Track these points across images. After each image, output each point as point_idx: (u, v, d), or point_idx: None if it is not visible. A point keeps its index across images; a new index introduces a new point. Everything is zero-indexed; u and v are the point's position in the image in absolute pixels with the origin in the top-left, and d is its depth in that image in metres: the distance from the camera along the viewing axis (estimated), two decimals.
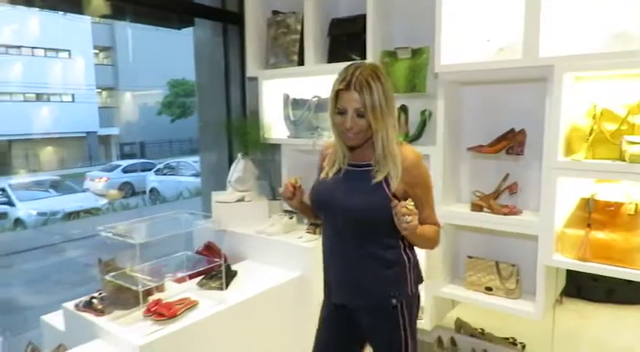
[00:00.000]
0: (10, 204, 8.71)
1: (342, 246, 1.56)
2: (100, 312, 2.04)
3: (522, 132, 2.19)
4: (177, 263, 2.32)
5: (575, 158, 1.94)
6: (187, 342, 1.95)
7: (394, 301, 1.52)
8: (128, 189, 12.55)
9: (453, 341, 2.56)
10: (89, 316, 2.04)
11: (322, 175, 1.62)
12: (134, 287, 1.90)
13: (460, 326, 2.70)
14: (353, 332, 1.66)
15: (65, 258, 6.23)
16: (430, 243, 1.58)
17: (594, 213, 1.99)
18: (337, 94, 1.42)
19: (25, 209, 8.59)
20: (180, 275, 2.27)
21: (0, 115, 16.25)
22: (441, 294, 2.41)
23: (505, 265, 2.30)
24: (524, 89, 2.23)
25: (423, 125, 2.46)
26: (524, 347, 2.56)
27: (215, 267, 2.33)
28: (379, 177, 1.46)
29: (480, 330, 2.67)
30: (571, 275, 2.55)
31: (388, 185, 1.47)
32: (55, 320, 2.29)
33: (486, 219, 2.22)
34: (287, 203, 1.69)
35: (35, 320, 2.51)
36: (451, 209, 2.35)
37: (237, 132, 3.08)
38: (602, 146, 1.90)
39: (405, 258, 1.57)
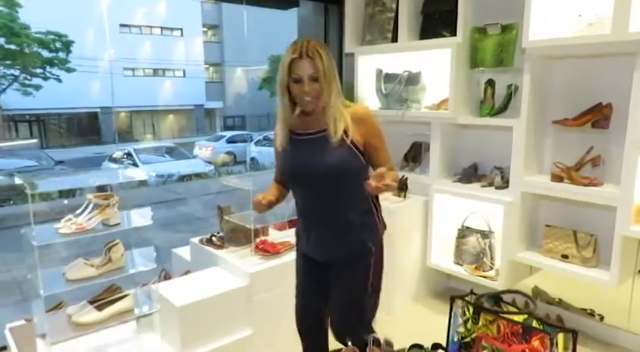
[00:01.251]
0: (135, 165, 10.10)
1: (321, 206, 1.66)
2: (219, 247, 2.52)
3: (608, 106, 2.23)
4: (278, 213, 2.71)
5: None
6: (286, 274, 2.32)
7: (370, 245, 1.68)
8: (232, 158, 13.73)
9: (526, 304, 2.69)
10: (210, 249, 2.53)
11: (280, 149, 1.72)
12: (247, 226, 2.33)
13: (537, 293, 2.80)
14: (325, 277, 1.79)
15: (181, 212, 7.27)
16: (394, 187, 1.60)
17: None
18: (291, 64, 1.53)
19: (146, 170, 9.91)
20: (281, 222, 2.68)
21: (124, 89, 18.28)
22: (517, 259, 2.56)
23: (583, 234, 2.38)
24: (613, 63, 2.26)
25: (508, 99, 2.58)
26: (602, 318, 2.61)
27: None
28: (338, 135, 1.56)
29: (557, 300, 2.76)
30: None
31: (348, 137, 1.58)
32: (182, 252, 2.84)
33: (566, 189, 2.32)
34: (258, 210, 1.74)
35: (165, 254, 3.08)
36: (531, 179, 2.47)
37: None
38: None
39: (373, 205, 1.72)
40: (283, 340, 2.20)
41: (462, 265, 2.80)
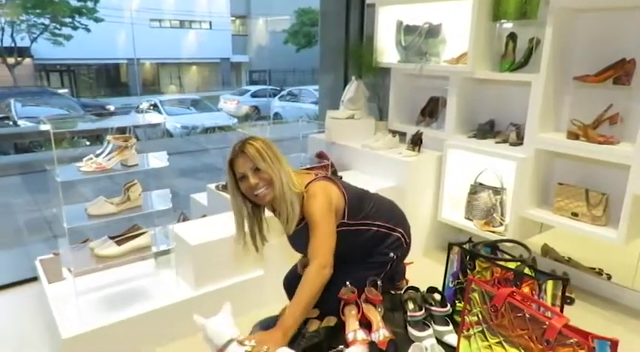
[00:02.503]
0: None
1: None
2: None
3: (632, 61, 2.16)
4: (292, 163, 2.77)
5: None
6: None
7: (392, 254, 1.80)
8: (255, 112, 13.83)
9: (534, 261, 2.73)
10: (225, 194, 2.62)
11: None
12: None
13: (547, 251, 2.83)
14: None
15: (203, 162, 7.58)
16: (312, 296, 1.43)
17: None
18: (231, 165, 1.55)
19: (171, 122, 10.11)
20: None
21: (151, 41, 18.29)
22: (527, 215, 2.57)
23: (595, 193, 2.37)
24: (639, 17, 2.16)
25: (529, 53, 2.51)
26: (609, 277, 2.63)
27: (324, 168, 2.76)
28: (292, 227, 1.56)
29: (566, 258, 2.78)
30: None
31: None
32: (200, 197, 2.96)
33: (580, 147, 2.29)
34: None
35: (186, 200, 3.22)
36: (546, 136, 2.44)
37: (353, 55, 3.37)
38: None
39: (379, 232, 1.78)
40: None
41: (472, 220, 2.83)
